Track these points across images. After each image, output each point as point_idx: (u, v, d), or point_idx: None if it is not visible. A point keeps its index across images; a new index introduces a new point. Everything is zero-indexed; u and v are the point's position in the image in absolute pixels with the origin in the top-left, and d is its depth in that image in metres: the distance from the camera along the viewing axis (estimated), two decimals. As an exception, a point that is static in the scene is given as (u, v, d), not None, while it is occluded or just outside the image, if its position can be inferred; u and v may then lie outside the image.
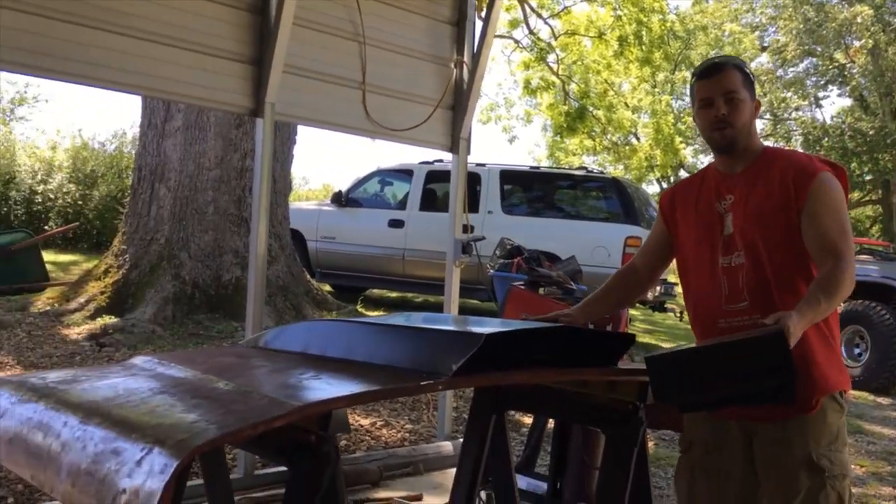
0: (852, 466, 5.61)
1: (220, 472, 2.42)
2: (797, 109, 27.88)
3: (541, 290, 4.31)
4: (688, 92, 30.69)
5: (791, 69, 27.23)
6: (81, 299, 7.57)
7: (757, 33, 28.70)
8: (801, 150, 25.24)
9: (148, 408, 1.79)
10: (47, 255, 10.94)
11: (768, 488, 2.43)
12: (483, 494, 3.83)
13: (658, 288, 10.20)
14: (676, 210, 2.67)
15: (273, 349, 2.47)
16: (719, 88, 2.45)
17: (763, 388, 2.19)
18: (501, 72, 45.14)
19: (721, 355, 2.22)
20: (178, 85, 3.93)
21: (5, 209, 14.43)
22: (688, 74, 29.47)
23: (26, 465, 1.81)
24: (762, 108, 2.62)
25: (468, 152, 5.14)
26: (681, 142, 25.29)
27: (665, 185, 32.03)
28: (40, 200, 14.60)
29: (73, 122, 32.09)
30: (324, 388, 1.97)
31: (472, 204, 9.98)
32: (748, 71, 2.53)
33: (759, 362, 2.12)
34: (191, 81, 3.95)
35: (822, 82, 27.28)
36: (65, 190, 14.76)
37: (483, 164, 10.80)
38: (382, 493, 4.12)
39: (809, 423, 2.38)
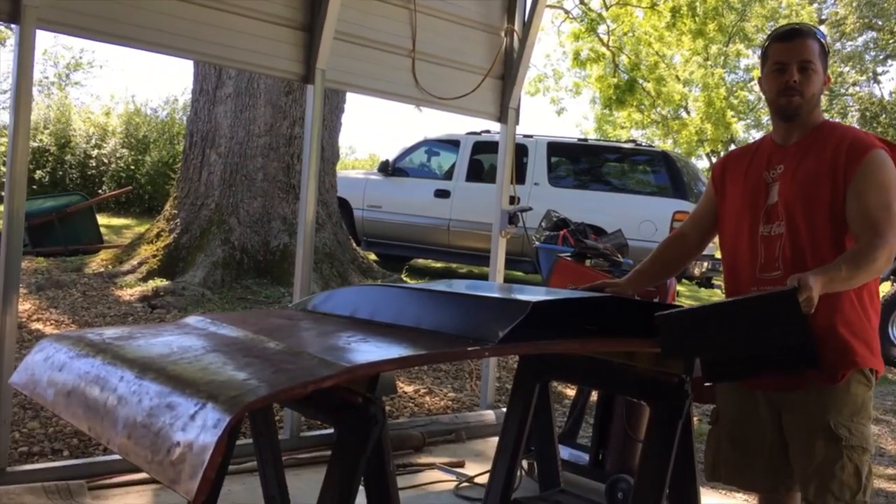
0: (893, 447, 5.52)
1: (268, 431, 2.47)
2: (854, 84, 27.13)
3: (587, 262, 4.28)
4: (739, 63, 29.91)
5: (850, 43, 26.46)
6: (134, 262, 7.74)
7: (815, 5, 27.90)
8: (857, 126, 24.64)
9: (201, 365, 1.83)
10: (101, 219, 11.18)
11: (794, 456, 2.46)
12: (525, 463, 3.86)
13: (705, 264, 10.08)
14: (727, 177, 2.66)
15: (322, 312, 2.50)
16: (796, 55, 2.43)
17: (785, 353, 2.20)
18: (550, 42, 44.74)
19: (735, 313, 2.23)
20: (229, 50, 3.97)
21: (61, 173, 14.75)
22: (741, 47, 28.87)
23: (84, 418, 1.87)
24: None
25: (517, 123, 5.11)
26: (732, 116, 24.84)
27: (714, 160, 31.55)
28: (94, 164, 14.90)
29: (127, 88, 32.76)
30: (372, 350, 1.99)
31: (519, 175, 9.94)
32: (825, 43, 2.51)
33: (772, 320, 2.13)
34: (242, 47, 3.98)
35: (881, 57, 26.49)
36: (118, 155, 15.05)
37: (530, 136, 10.73)
38: (425, 459, 4.17)
39: (833, 392, 2.38)
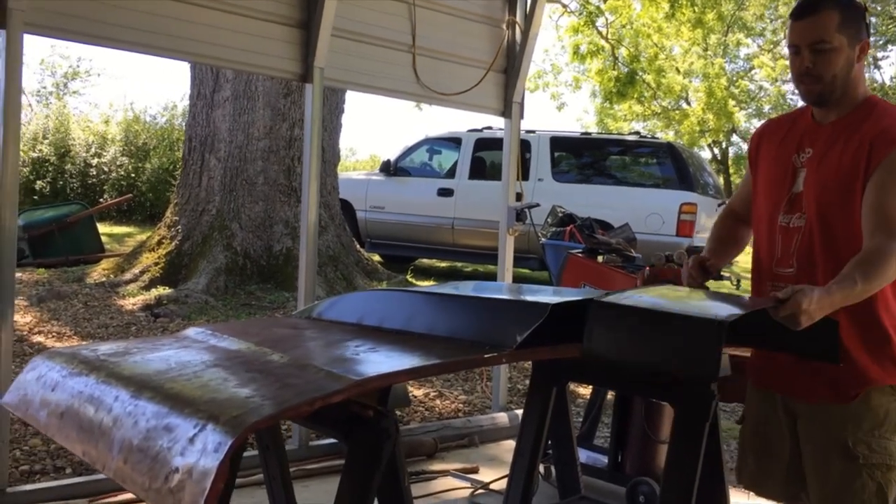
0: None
1: (275, 445, 2.35)
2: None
3: (599, 258, 4.16)
4: (739, 53, 29.67)
5: (850, 28, 26.24)
6: (136, 270, 7.64)
7: (814, -8, 27.67)
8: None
9: (201, 382, 1.71)
10: (102, 228, 11.08)
11: (807, 470, 2.25)
12: (541, 467, 3.75)
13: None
14: (761, 150, 2.41)
15: (327, 320, 2.38)
16: (806, 36, 2.16)
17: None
18: (549, 37, 44.51)
19: (658, 323, 1.97)
20: (225, 51, 3.86)
21: (61, 182, 14.67)
22: (741, 36, 28.68)
23: (78, 441, 1.75)
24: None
25: (521, 117, 4.99)
26: (734, 105, 24.68)
27: (717, 151, 31.42)
28: (94, 173, 14.82)
29: (125, 96, 32.68)
30: (382, 361, 1.88)
31: (522, 171, 9.79)
32: (855, 4, 2.17)
33: (688, 344, 1.89)
34: (238, 47, 3.87)
35: (881, 42, 26.30)
36: (118, 163, 14.97)
37: (533, 131, 10.61)
38: (438, 466, 4.05)
39: (848, 407, 2.15)
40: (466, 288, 3.31)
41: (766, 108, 30.44)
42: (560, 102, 25.06)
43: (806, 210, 2.22)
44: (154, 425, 1.56)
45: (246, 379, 1.70)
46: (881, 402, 2.14)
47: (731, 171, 32.20)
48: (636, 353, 2.03)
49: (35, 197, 14.24)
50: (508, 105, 4.91)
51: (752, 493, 2.54)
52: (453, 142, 11.23)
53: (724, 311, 1.98)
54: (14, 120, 3.15)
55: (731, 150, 32.82)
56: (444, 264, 12.27)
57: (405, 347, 1.94)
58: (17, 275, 7.51)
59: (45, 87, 25.64)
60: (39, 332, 5.86)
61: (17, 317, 6.01)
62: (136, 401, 1.66)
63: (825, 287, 1.99)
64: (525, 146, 10.20)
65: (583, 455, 3.71)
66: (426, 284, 9.38)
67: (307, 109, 4.06)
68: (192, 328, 2.31)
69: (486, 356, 1.84)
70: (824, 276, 2.13)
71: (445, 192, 10.70)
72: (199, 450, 1.42)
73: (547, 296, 2.61)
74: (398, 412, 4.79)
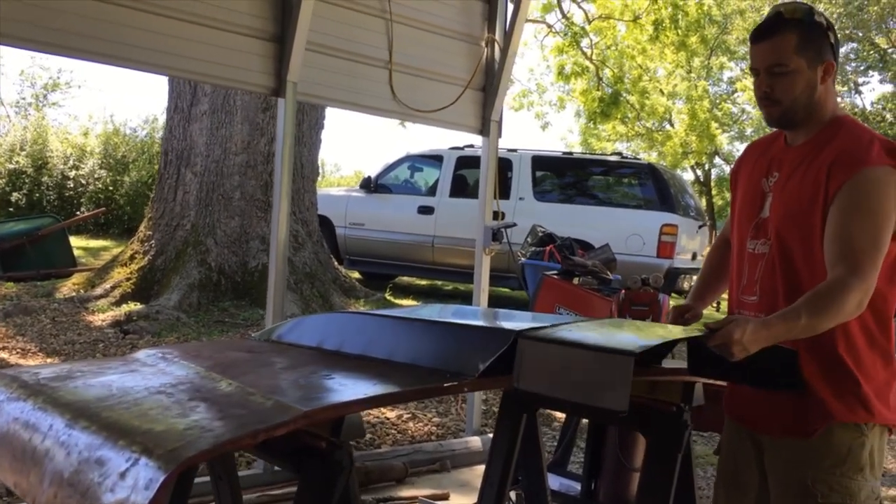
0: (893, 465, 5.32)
1: (228, 474, 2.25)
2: (836, 96, 27.09)
3: (575, 280, 4.09)
4: (723, 76, 29.84)
5: (831, 54, 26.46)
6: (107, 285, 7.49)
7: (796, 18, 27.91)
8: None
9: (140, 410, 1.61)
10: (79, 241, 10.92)
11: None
12: (512, 494, 3.65)
13: (694, 277, 9.93)
14: (741, 173, 2.34)
15: (287, 343, 2.29)
16: (764, 59, 2.09)
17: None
18: (533, 57, 44.83)
19: (570, 357, 1.88)
20: (197, 64, 3.76)
21: (38, 195, 14.47)
22: (724, 60, 28.91)
23: (10, 471, 1.65)
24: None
25: (499, 135, 4.92)
26: (717, 128, 24.81)
27: (700, 173, 31.58)
28: (72, 186, 14.63)
29: (105, 108, 32.53)
30: (336, 389, 1.78)
31: (503, 190, 9.75)
32: (815, 25, 2.08)
33: (602, 380, 1.81)
34: (211, 60, 3.77)
35: (862, 68, 26.57)
36: (96, 175, 14.79)
37: (514, 150, 10.57)
38: (407, 492, 3.94)
39: (809, 443, 2.07)
40: (446, 312, 3.22)
41: (749, 130, 30.65)
42: (544, 122, 25.10)
43: (770, 236, 2.15)
44: (86, 457, 1.46)
45: (188, 408, 1.61)
46: (843, 440, 2.05)
47: (714, 192, 32.35)
48: (554, 387, 1.93)
49: (10, 209, 14.04)
50: (486, 123, 4.84)
51: None
52: (434, 159, 11.17)
53: (639, 343, 1.92)
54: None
55: (714, 172, 32.98)
56: (423, 282, 12.17)
57: (362, 374, 1.85)
58: (-16, 288, 7.34)
59: (24, 99, 25.39)
60: (4, 349, 5.71)
61: (-20, 332, 5.86)
62: (71, 430, 1.56)
63: (764, 319, 1.93)
64: (507, 165, 10.16)
65: (556, 482, 3.61)
66: (406, 303, 9.29)
67: (279, 124, 3.97)
68: (143, 350, 2.21)
69: (446, 385, 1.75)
70: (785, 306, 2.04)
71: (426, 210, 10.62)
72: (130, 486, 1.32)
73: (520, 322, 2.53)
74: (370, 434, 4.67)
